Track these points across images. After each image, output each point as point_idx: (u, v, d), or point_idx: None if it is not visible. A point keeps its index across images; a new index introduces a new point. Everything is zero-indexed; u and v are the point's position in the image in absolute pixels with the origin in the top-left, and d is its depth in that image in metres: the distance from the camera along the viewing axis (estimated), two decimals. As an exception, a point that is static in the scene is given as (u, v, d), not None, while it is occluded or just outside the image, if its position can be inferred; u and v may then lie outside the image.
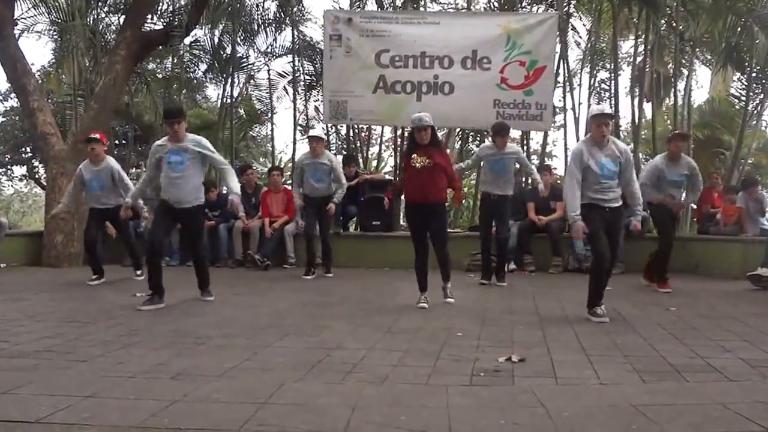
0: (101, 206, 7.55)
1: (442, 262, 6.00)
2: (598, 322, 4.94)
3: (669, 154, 6.97)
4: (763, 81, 11.79)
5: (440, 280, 6.01)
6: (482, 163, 7.50)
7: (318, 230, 8.30)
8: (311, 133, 8.57)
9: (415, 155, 5.77)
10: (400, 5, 12.90)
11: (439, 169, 5.77)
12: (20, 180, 21.79)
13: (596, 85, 13.38)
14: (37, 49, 60.92)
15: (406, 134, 13.04)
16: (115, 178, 7.47)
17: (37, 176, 18.74)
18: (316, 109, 13.86)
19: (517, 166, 7.54)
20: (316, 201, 8.14)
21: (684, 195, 7.38)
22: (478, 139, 13.04)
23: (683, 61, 12.75)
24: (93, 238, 7.58)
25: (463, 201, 13.93)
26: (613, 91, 12.52)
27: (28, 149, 17.65)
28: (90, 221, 7.75)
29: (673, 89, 12.57)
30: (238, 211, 8.96)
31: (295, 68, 13.17)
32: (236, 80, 13.32)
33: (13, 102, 16.79)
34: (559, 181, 13.64)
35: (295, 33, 12.74)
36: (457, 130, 14.05)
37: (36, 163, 18.08)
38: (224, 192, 11.12)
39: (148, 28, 12.12)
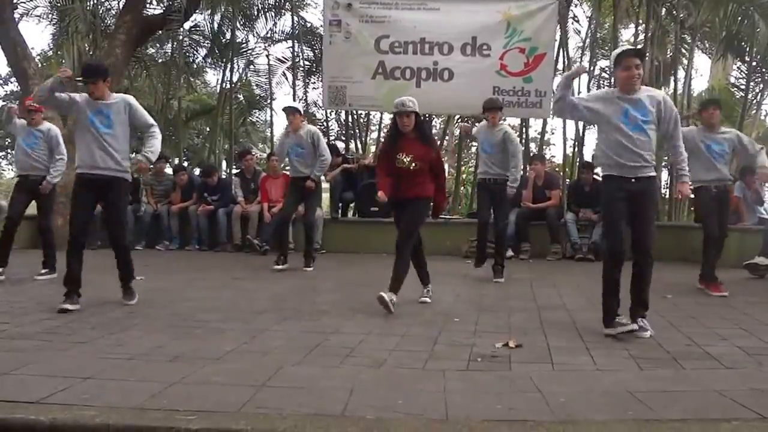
0: (27, 173, 6.55)
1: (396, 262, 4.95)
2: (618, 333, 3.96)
3: (705, 125, 6.16)
4: (763, 70, 11.75)
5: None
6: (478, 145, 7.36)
7: (306, 215, 7.54)
8: (285, 105, 7.64)
9: (401, 155, 4.99)
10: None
11: (426, 169, 5.06)
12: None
13: (596, 73, 13.30)
14: (37, 33, 60.70)
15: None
16: (51, 146, 6.53)
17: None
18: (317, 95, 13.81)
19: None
20: (299, 182, 7.43)
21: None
22: (477, 126, 12.95)
23: (683, 50, 12.68)
24: (16, 214, 6.59)
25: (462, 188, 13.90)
26: (613, 79, 12.44)
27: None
28: (15, 194, 6.70)
29: (673, 77, 12.53)
30: (144, 174, 8.09)
31: (295, 54, 13.11)
32: (236, 65, 13.25)
33: (13, 86, 16.73)
34: (557, 170, 13.66)
35: (295, 18, 12.68)
36: (456, 116, 13.98)
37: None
38: (223, 177, 11.18)
39: (148, 13, 12.06)
